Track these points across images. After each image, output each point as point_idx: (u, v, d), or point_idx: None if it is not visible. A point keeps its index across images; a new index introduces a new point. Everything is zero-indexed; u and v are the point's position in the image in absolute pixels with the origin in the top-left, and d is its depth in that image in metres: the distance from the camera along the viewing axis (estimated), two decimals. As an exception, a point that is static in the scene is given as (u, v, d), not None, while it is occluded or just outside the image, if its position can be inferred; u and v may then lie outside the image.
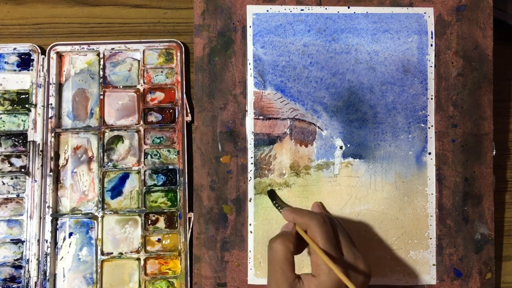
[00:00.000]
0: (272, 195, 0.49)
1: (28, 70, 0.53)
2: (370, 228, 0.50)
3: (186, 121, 0.52)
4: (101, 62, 0.53)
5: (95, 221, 0.51)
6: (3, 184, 0.52)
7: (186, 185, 0.51)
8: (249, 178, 0.50)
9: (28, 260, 0.50)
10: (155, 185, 0.52)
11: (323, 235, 0.38)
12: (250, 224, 0.49)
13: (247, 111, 0.50)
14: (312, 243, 0.37)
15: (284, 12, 0.51)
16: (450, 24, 0.51)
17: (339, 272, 0.35)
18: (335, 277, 0.36)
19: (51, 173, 0.51)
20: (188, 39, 0.54)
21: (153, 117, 0.53)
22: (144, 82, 0.53)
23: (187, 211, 0.51)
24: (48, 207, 0.51)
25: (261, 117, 0.50)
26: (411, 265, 0.49)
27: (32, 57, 0.53)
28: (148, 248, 0.51)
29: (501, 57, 0.54)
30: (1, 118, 0.52)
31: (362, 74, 0.50)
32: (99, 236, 0.51)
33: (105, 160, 0.52)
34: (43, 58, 0.52)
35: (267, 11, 0.51)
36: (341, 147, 0.50)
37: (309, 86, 0.50)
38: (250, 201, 0.49)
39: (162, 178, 0.52)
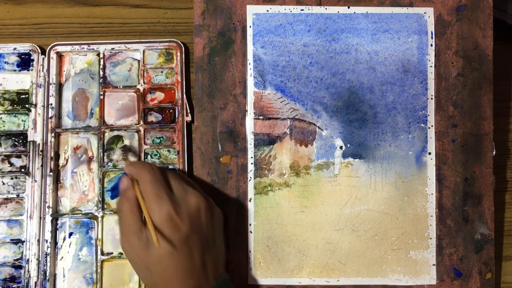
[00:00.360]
0: (128, 148, 0.51)
1: (28, 70, 0.53)
2: (370, 228, 0.50)
3: (186, 121, 0.52)
4: (101, 62, 0.53)
5: (95, 221, 0.51)
6: (3, 184, 0.52)
7: (186, 185, 0.51)
8: (249, 178, 0.50)
9: (28, 260, 0.50)
10: (155, 185, 0.52)
11: (151, 178, 0.43)
12: (250, 224, 0.49)
13: (247, 111, 0.50)
14: (141, 200, 0.43)
15: (284, 12, 0.51)
16: (450, 24, 0.51)
17: (151, 226, 0.41)
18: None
19: (51, 173, 0.51)
20: (188, 39, 0.54)
21: (153, 117, 0.53)
22: (144, 82, 0.53)
23: (187, 211, 0.51)
24: (48, 207, 0.51)
25: (261, 117, 0.50)
26: (411, 265, 0.49)
27: (32, 57, 0.53)
28: (148, 248, 0.51)
29: (501, 57, 0.54)
30: (1, 118, 0.52)
31: (362, 74, 0.50)
32: (99, 236, 0.51)
33: (105, 160, 0.52)
34: (43, 58, 0.52)
35: (267, 11, 0.51)
36: (341, 147, 0.50)
37: (309, 86, 0.50)
38: (250, 201, 0.49)
39: (162, 178, 0.52)
